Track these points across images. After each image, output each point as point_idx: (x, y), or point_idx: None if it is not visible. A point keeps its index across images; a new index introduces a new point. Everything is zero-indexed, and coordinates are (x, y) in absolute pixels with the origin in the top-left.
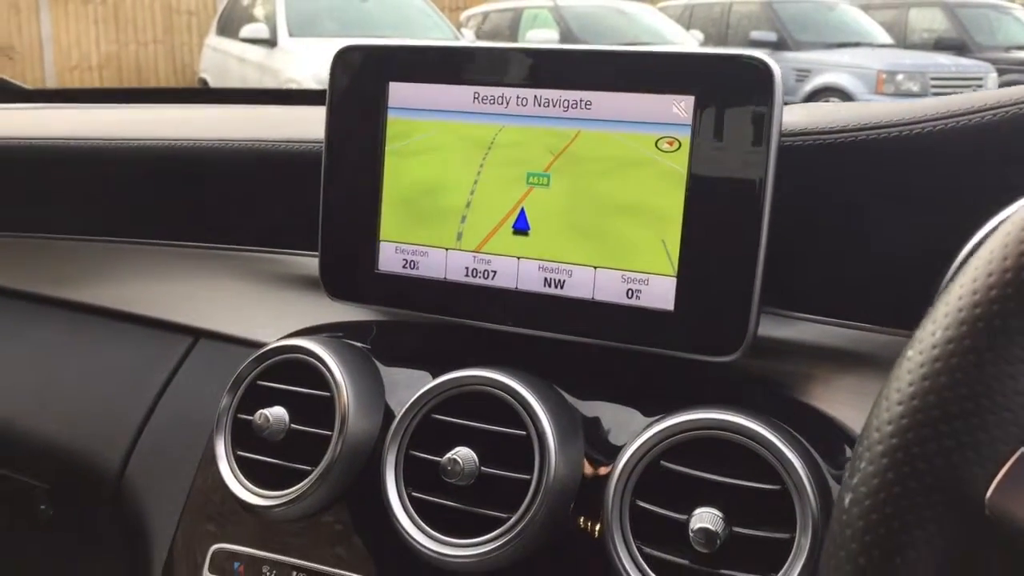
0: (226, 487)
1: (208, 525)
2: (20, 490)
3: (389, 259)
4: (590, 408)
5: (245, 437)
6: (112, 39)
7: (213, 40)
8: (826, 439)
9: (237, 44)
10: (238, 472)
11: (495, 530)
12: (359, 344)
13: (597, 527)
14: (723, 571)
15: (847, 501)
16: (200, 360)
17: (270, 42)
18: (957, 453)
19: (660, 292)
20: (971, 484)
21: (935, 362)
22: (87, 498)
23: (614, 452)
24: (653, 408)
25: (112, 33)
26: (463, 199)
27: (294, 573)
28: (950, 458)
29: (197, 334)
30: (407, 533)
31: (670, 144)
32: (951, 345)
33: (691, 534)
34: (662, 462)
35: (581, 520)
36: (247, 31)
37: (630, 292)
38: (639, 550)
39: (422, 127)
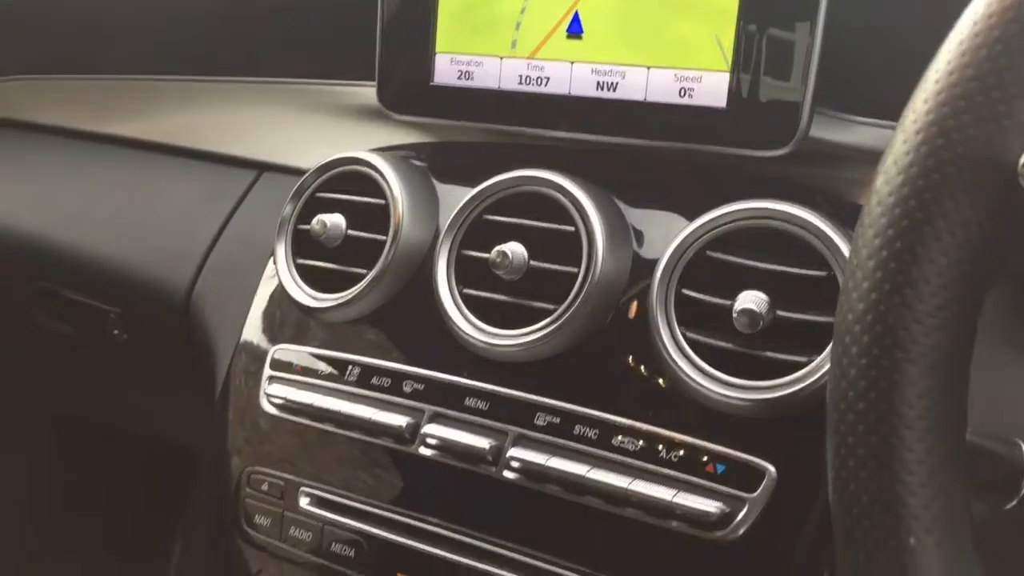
0: (286, 293)
1: (268, 333)
2: (94, 315)
3: (444, 71)
4: (640, 211)
5: (305, 246)
6: None
7: None
8: None
9: None
10: (297, 278)
11: (542, 321)
12: (416, 161)
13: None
14: (765, 353)
15: (878, 183)
16: (264, 191)
17: None
18: (992, 123)
19: (713, 89)
20: (1005, 154)
21: (975, 38)
22: (157, 321)
23: (662, 250)
24: (703, 210)
25: None
26: (518, 5)
27: (350, 367)
28: (985, 128)
29: (261, 167)
30: (458, 327)
31: None
32: (992, 19)
33: (734, 316)
34: (709, 252)
35: (627, 311)
36: None
37: (683, 91)
38: (683, 335)
39: None
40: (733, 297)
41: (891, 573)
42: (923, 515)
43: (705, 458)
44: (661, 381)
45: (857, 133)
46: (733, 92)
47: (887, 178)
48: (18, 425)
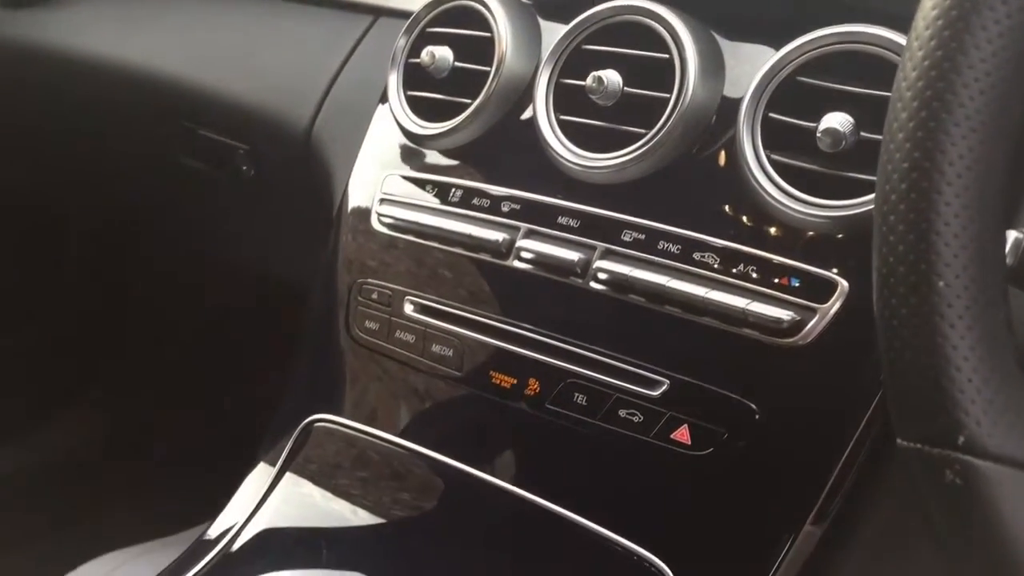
0: (397, 122)
1: (380, 161)
2: (226, 152)
3: None
4: (734, 43)
5: (415, 79)
6: None
7: None
8: None
9: None
10: (407, 107)
11: (633, 144)
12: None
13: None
14: (848, 173)
15: None
16: (379, 35)
17: None
18: None
19: None
20: None
21: None
22: (280, 156)
23: (753, 77)
24: (795, 38)
25: None
26: None
27: (453, 190)
28: None
29: (377, 12)
30: (554, 151)
31: None
32: None
33: (818, 136)
34: (798, 77)
35: (715, 136)
36: None
37: None
38: (767, 157)
39: None
40: (818, 119)
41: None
42: (956, 302)
43: (781, 272)
44: (743, 201)
45: None
46: None
47: None
48: (155, 265)
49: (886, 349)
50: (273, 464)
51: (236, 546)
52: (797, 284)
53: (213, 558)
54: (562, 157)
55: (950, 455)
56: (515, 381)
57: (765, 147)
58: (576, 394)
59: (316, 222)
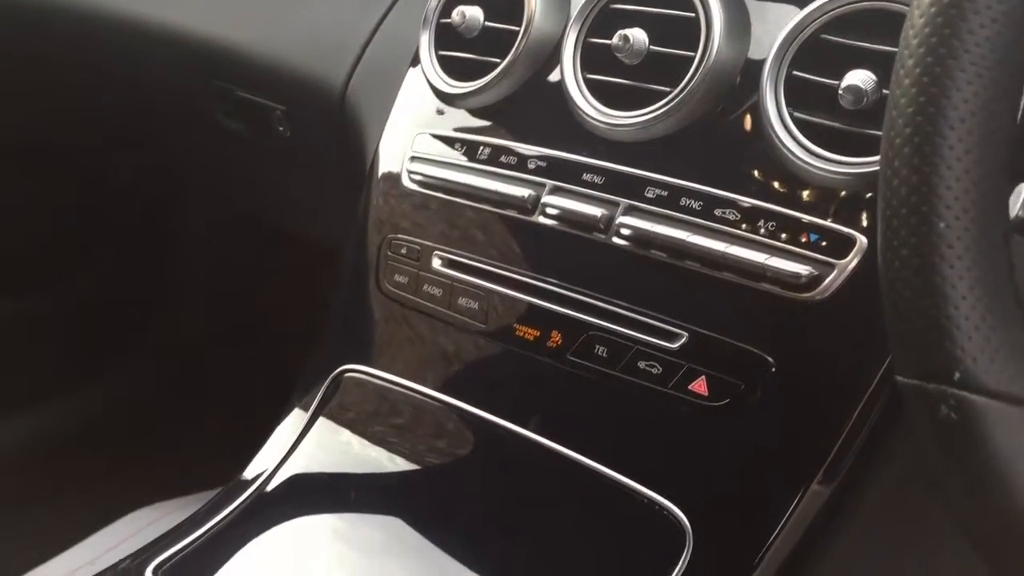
0: (427, 80)
1: (411, 119)
2: (263, 112)
3: None
4: (760, 3)
5: (446, 38)
6: None
7: None
8: None
9: None
10: (438, 67)
11: (658, 102)
12: None
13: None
14: (869, 130)
15: None
16: None
17: None
18: None
19: None
20: None
21: None
22: (316, 116)
23: (777, 35)
24: None
25: None
26: None
27: (481, 148)
28: None
29: None
30: (581, 109)
31: None
32: None
33: (840, 93)
34: (822, 35)
35: (738, 95)
36: None
37: None
38: (790, 115)
39: None
40: (841, 77)
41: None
42: (956, 243)
43: (801, 228)
44: (766, 158)
45: None
46: None
47: None
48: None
49: (887, 290)
50: (306, 410)
51: (270, 487)
52: (816, 240)
53: (248, 498)
54: (588, 115)
55: (946, 390)
56: (538, 333)
57: (788, 105)
58: (597, 346)
59: (350, 182)
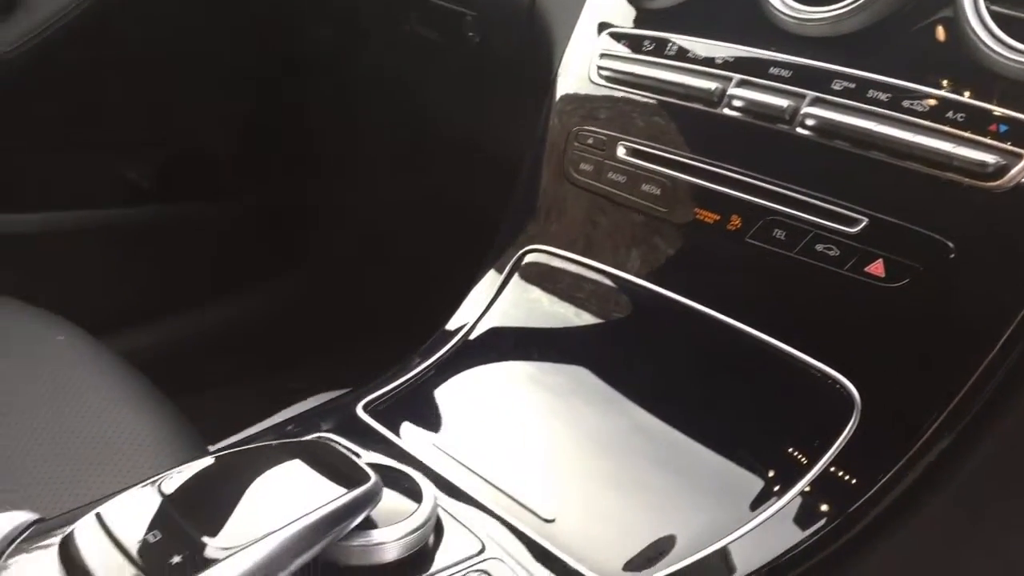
0: None
1: (600, 19)
2: (454, 19)
3: None
4: None
5: None
6: None
7: None
8: None
9: None
10: None
11: None
12: None
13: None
14: None
15: None
16: None
17: None
18: None
19: None
20: None
21: None
22: (506, 21)
23: None
24: None
25: None
26: None
27: (669, 44)
28: None
29: None
30: (772, 4)
31: None
32: None
33: None
34: None
35: None
36: None
37: None
38: (986, 7)
39: None
40: None
41: None
42: None
43: (990, 119)
44: (957, 50)
45: None
46: None
47: None
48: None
49: None
50: (500, 272)
51: (473, 336)
52: (1006, 131)
53: (455, 344)
54: (779, 10)
55: None
56: (718, 217)
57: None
58: (776, 230)
59: (534, 87)
